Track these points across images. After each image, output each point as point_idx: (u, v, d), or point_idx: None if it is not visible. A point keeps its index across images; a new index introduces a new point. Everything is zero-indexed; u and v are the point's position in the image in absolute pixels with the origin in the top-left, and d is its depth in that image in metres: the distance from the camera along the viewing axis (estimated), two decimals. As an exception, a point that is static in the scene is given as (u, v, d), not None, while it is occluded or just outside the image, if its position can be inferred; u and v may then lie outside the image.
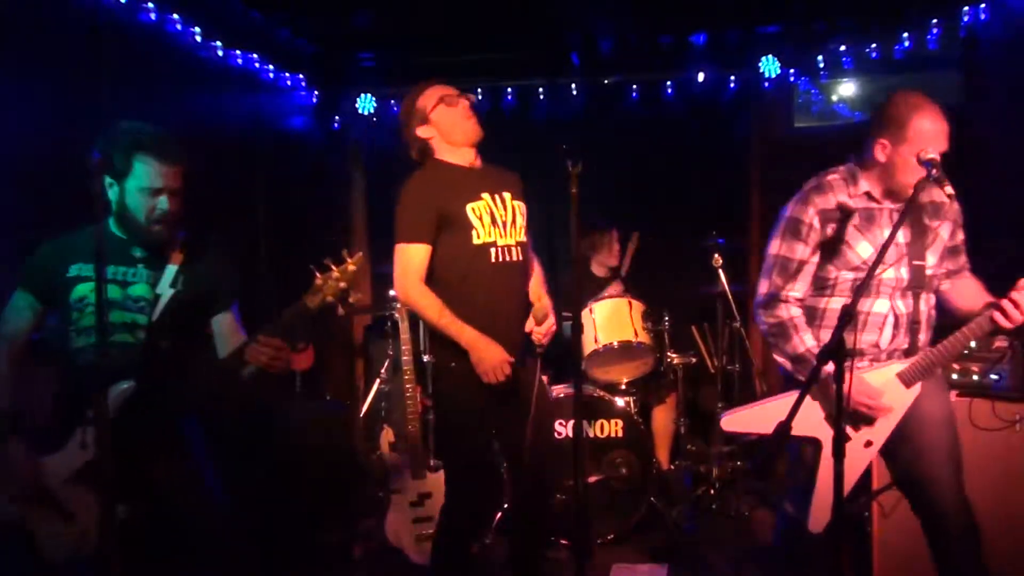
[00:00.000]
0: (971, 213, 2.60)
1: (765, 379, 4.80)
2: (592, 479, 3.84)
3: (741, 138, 5.37)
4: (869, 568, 3.08)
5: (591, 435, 3.90)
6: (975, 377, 3.05)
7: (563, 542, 3.79)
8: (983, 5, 4.25)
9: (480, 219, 2.73)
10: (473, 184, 2.76)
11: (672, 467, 4.59)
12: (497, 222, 2.76)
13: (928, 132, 2.33)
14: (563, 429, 3.91)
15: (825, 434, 2.47)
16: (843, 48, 4.84)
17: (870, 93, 5.13)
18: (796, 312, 2.51)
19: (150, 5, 3.77)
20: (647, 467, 3.91)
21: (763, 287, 2.57)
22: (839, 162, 2.59)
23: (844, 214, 2.46)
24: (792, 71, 5.09)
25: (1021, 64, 4.00)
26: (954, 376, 3.07)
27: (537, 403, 2.72)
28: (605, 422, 3.93)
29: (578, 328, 2.68)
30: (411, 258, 2.71)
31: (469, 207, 2.72)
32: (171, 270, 2.39)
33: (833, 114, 5.20)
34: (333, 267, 2.21)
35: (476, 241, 2.71)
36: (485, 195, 2.76)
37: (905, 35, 4.59)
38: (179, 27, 3.98)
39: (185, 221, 2.42)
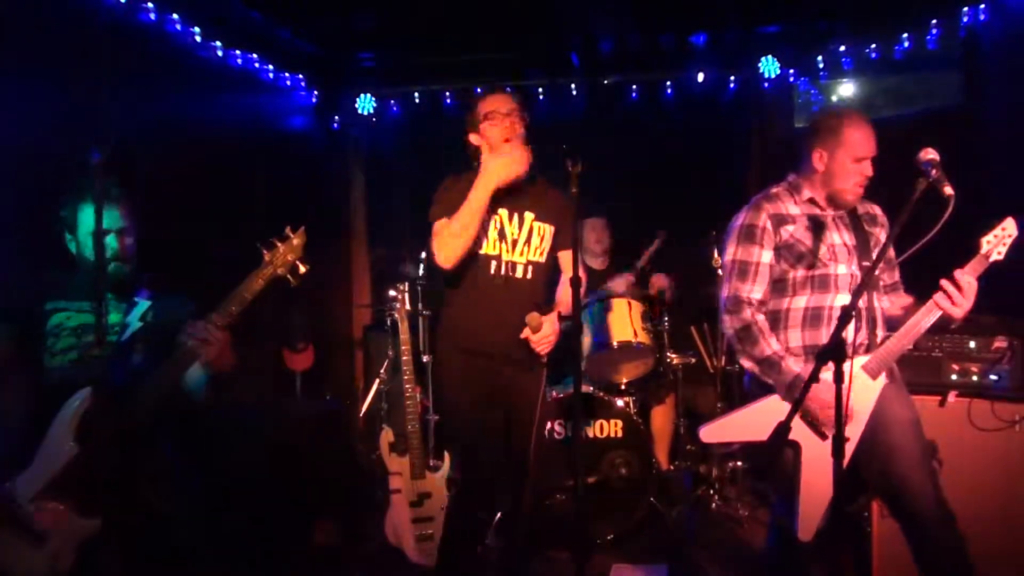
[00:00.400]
0: (971, 213, 2.59)
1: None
2: (592, 479, 3.85)
3: (741, 138, 5.38)
4: (869, 568, 3.08)
5: (591, 435, 3.90)
6: (975, 377, 3.05)
7: (562, 542, 3.80)
8: (983, 5, 4.25)
9: (487, 232, 2.80)
10: (496, 197, 2.77)
11: (672, 467, 4.59)
12: (506, 238, 2.82)
13: (859, 137, 2.57)
14: (563, 429, 3.91)
15: (804, 436, 2.49)
16: (843, 48, 4.84)
17: (870, 93, 5.13)
18: (761, 318, 2.61)
19: (150, 5, 3.77)
20: (647, 467, 3.91)
21: (724, 291, 2.67)
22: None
23: (792, 219, 2.63)
24: (792, 71, 5.09)
25: (1021, 64, 3.99)
26: (953, 376, 3.07)
27: (540, 417, 2.82)
28: (605, 422, 3.93)
29: (578, 328, 2.68)
30: (439, 228, 2.78)
31: (486, 217, 2.77)
32: (142, 305, 2.50)
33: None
34: (278, 243, 2.35)
35: (480, 251, 2.80)
36: (502, 210, 2.82)
37: (905, 35, 4.59)
38: (179, 27, 3.98)
39: (142, 264, 2.52)
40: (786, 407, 2.43)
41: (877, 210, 2.76)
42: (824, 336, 2.57)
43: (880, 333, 2.62)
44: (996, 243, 2.46)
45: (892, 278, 2.75)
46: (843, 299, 2.57)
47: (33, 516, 2.16)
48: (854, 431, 2.49)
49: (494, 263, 2.81)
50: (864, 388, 2.51)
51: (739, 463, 4.49)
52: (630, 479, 3.88)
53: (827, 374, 2.41)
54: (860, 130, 2.57)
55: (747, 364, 2.61)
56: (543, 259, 2.89)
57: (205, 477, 2.53)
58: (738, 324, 2.61)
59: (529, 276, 2.85)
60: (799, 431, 2.48)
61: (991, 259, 2.46)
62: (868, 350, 2.57)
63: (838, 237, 2.63)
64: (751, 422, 2.58)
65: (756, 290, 2.63)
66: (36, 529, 2.15)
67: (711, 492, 4.35)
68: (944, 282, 2.45)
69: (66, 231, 2.45)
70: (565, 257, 2.93)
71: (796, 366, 2.51)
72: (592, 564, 3.50)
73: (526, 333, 2.77)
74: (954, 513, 2.45)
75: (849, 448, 2.47)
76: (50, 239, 2.48)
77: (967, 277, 2.44)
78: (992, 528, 2.80)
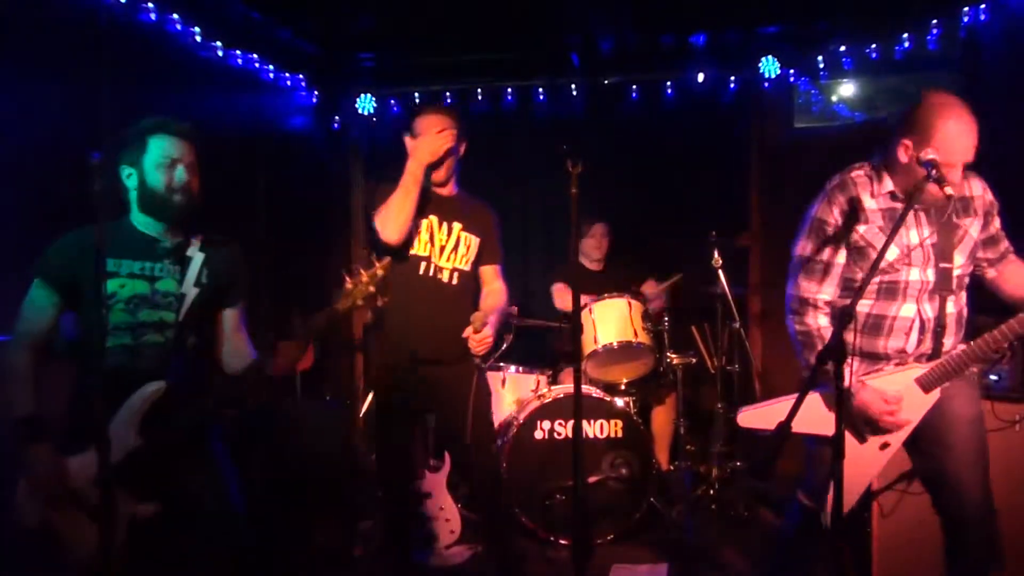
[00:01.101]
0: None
1: (764, 380, 4.81)
2: (592, 479, 3.85)
3: (741, 138, 5.37)
4: (869, 568, 3.08)
5: (591, 435, 3.90)
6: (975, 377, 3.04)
7: (563, 542, 3.80)
8: (983, 5, 4.25)
9: (419, 235, 3.01)
10: (431, 204, 3.03)
11: (672, 467, 4.59)
12: (435, 244, 3.03)
13: (954, 138, 2.26)
14: (563, 429, 3.91)
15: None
16: (843, 48, 4.84)
17: (870, 93, 5.13)
18: (824, 322, 2.49)
19: (150, 5, 3.77)
20: (647, 467, 3.91)
21: (791, 288, 2.54)
22: (839, 163, 2.57)
23: (866, 216, 2.42)
24: (792, 71, 5.09)
25: (1021, 64, 3.99)
26: (954, 376, 3.06)
27: (475, 403, 3.00)
28: (605, 422, 3.93)
29: (578, 328, 2.70)
30: (382, 208, 2.96)
31: (418, 220, 2.99)
32: (196, 264, 2.41)
33: (833, 114, 5.20)
34: (362, 271, 2.32)
35: (411, 251, 3.01)
36: (433, 217, 3.04)
37: (905, 35, 4.58)
38: (179, 27, 3.98)
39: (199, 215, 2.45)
40: (824, 403, 2.45)
41: (976, 189, 2.43)
42: (882, 346, 2.45)
43: (949, 341, 2.46)
44: None
45: (997, 252, 2.52)
46: (909, 308, 2.42)
47: (92, 497, 2.17)
48: (895, 439, 2.45)
49: (423, 264, 3.01)
50: (915, 400, 2.43)
51: (739, 463, 4.50)
52: (630, 479, 3.88)
53: (876, 381, 2.41)
54: (957, 131, 2.26)
55: (802, 365, 2.52)
56: (468, 268, 3.10)
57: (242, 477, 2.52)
58: (801, 328, 2.50)
59: (455, 282, 3.05)
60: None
61: None
62: (931, 359, 2.46)
63: (916, 235, 2.41)
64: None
65: (824, 291, 2.48)
66: (93, 509, 2.18)
67: (711, 492, 4.35)
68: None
69: (125, 166, 2.34)
70: (488, 272, 3.19)
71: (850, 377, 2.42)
72: (592, 564, 3.50)
73: (468, 332, 2.94)
74: (993, 530, 2.43)
75: (887, 453, 2.47)
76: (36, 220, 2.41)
77: None
78: (992, 528, 2.80)
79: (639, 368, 4.28)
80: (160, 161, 2.32)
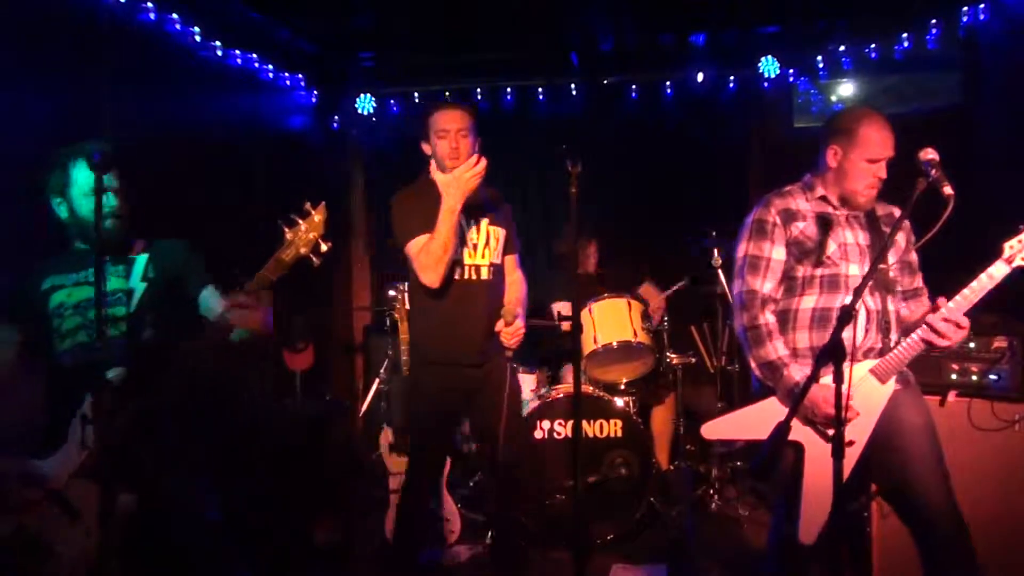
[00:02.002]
0: (971, 213, 2.59)
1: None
2: (591, 479, 3.84)
3: (740, 138, 5.38)
4: (869, 568, 3.08)
5: (590, 435, 3.90)
6: (974, 377, 3.04)
7: (562, 542, 3.79)
8: (982, 5, 4.25)
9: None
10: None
11: (672, 467, 4.59)
12: (467, 244, 2.94)
13: (875, 138, 2.50)
14: (562, 429, 3.91)
15: (806, 437, 2.48)
16: (842, 48, 4.84)
17: (869, 93, 5.13)
18: (771, 319, 2.58)
19: (150, 5, 3.77)
20: (647, 467, 3.91)
21: (736, 287, 2.65)
22: None
23: (803, 215, 2.59)
24: (791, 71, 5.10)
25: (1020, 64, 4.00)
26: (953, 376, 3.07)
27: (508, 400, 2.93)
28: (604, 422, 3.93)
29: (578, 328, 2.69)
30: (418, 246, 2.86)
31: None
32: (140, 261, 2.47)
33: (832, 114, 5.21)
34: (300, 220, 2.32)
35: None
36: (461, 217, 2.87)
37: (905, 35, 4.59)
38: (179, 27, 3.98)
39: (135, 222, 2.49)
40: (787, 409, 2.45)
41: (897, 212, 2.67)
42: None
43: (894, 337, 2.57)
44: (1020, 248, 2.34)
45: (912, 283, 2.68)
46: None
47: (71, 496, 2.23)
48: (859, 434, 2.46)
49: (459, 269, 2.92)
50: (872, 391, 2.48)
51: (739, 463, 4.50)
52: (630, 479, 3.88)
53: (827, 377, 2.41)
54: (877, 131, 2.51)
55: (752, 364, 2.59)
56: (499, 260, 3.05)
57: (213, 468, 2.54)
58: (747, 322, 2.58)
59: (491, 277, 2.99)
60: (802, 433, 2.47)
61: (1014, 265, 2.35)
62: (880, 355, 2.52)
63: (851, 236, 2.58)
64: (753, 421, 2.57)
65: (767, 285, 2.59)
66: (72, 507, 2.23)
67: (711, 492, 4.35)
68: (926, 329, 2.39)
69: (54, 196, 2.41)
70: (509, 262, 3.12)
71: (797, 374, 2.48)
72: (592, 564, 3.50)
73: (499, 326, 2.92)
74: (967, 523, 2.42)
75: (855, 451, 2.46)
76: (36, 221, 2.45)
77: (960, 318, 2.37)
78: (992, 528, 2.80)
79: (639, 368, 4.28)
80: (86, 191, 2.37)
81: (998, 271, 2.36)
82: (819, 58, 4.95)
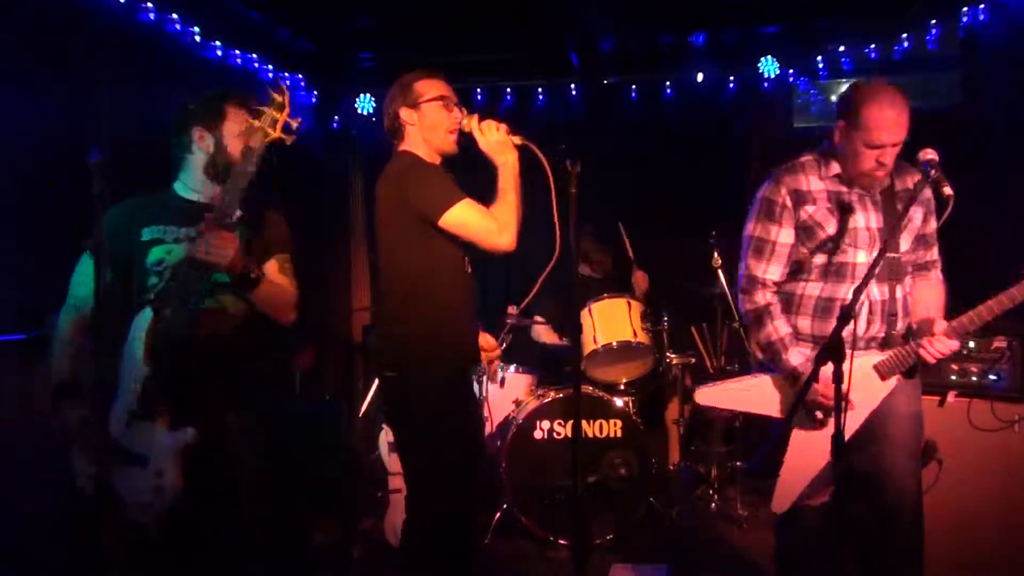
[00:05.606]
0: (971, 212, 2.59)
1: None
2: (592, 479, 3.84)
3: (740, 138, 5.37)
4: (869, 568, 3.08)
5: (590, 435, 3.90)
6: (974, 377, 3.05)
7: (562, 542, 3.80)
8: (982, 5, 4.26)
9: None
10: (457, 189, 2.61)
11: (672, 467, 4.59)
12: None
13: (879, 120, 2.32)
14: (562, 429, 3.91)
15: (796, 419, 2.46)
16: (842, 48, 4.84)
17: (869, 93, 5.13)
18: (772, 299, 2.52)
19: (150, 5, 3.77)
20: (646, 467, 3.91)
21: (741, 268, 2.59)
22: None
23: (813, 198, 2.47)
24: (791, 71, 5.10)
25: (1020, 64, 4.00)
26: (953, 376, 3.07)
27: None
28: (604, 422, 3.93)
29: (577, 328, 2.68)
30: (470, 209, 2.57)
31: None
32: (242, 229, 2.31)
33: (832, 114, 5.20)
34: (264, 108, 2.25)
35: (458, 249, 2.59)
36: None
37: (904, 35, 4.59)
38: (179, 27, 3.98)
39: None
40: (783, 388, 2.48)
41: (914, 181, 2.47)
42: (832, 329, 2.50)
43: (900, 325, 2.48)
44: None
45: (925, 257, 2.55)
46: None
47: (130, 439, 2.14)
48: (851, 424, 2.40)
49: (466, 260, 2.66)
50: (871, 385, 2.44)
51: (739, 463, 4.50)
52: (629, 479, 3.88)
53: (827, 368, 2.41)
54: (881, 113, 2.31)
55: (753, 346, 2.56)
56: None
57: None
58: (750, 307, 2.53)
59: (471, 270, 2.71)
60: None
61: None
62: (883, 344, 2.47)
63: (862, 220, 2.45)
64: (747, 395, 2.56)
65: (772, 270, 2.50)
66: (135, 451, 2.14)
67: (711, 492, 4.35)
68: (922, 351, 2.37)
69: (197, 128, 2.32)
70: None
71: (796, 359, 2.44)
72: (592, 564, 3.50)
73: (484, 354, 2.73)
74: (923, 517, 2.42)
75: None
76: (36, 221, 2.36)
77: (949, 343, 2.36)
78: (991, 528, 2.81)
79: (639, 368, 4.28)
80: (240, 131, 2.33)
81: (1021, 293, 2.30)
82: (819, 58, 4.96)
